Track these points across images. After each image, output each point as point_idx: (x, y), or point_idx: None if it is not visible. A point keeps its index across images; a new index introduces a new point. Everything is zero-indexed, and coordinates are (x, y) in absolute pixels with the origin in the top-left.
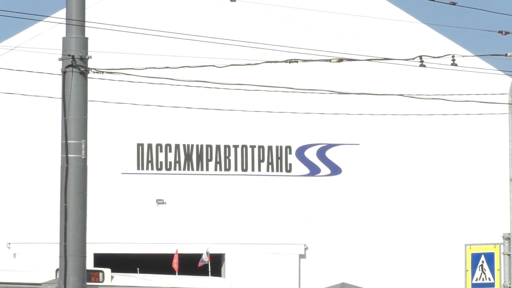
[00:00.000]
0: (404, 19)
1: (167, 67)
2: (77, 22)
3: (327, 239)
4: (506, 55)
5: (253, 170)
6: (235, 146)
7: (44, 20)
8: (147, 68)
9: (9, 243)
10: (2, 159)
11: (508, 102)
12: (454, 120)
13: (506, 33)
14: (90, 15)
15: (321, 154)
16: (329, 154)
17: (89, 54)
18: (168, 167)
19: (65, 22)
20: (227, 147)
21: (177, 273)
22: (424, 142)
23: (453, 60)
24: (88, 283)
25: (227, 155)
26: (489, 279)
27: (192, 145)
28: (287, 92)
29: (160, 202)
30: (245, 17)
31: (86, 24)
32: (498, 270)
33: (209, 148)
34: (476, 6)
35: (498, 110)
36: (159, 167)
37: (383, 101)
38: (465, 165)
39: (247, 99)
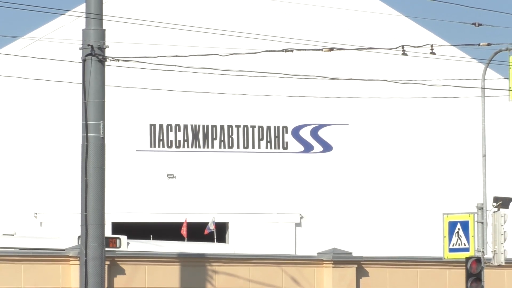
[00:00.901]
0: (388, 12)
1: (176, 56)
2: (95, 16)
3: (320, 209)
4: (479, 44)
5: (253, 147)
6: (237, 126)
7: (66, 13)
8: (158, 56)
9: (36, 213)
10: (31, 139)
11: (480, 87)
12: (433, 103)
13: (479, 24)
14: (107, 9)
15: (314, 133)
16: (321, 133)
17: (106, 44)
18: (178, 145)
19: (84, 16)
20: (230, 127)
21: (186, 240)
22: (406, 122)
23: (432, 49)
24: (106, 249)
25: (230, 134)
26: (465, 245)
27: (199, 125)
28: (283, 77)
29: (170, 176)
30: (246, 11)
31: (104, 17)
32: (472, 236)
33: (214, 128)
34: (453, 1)
35: (472, 93)
36: (169, 145)
37: (370, 86)
38: (443, 143)
39: (248, 84)
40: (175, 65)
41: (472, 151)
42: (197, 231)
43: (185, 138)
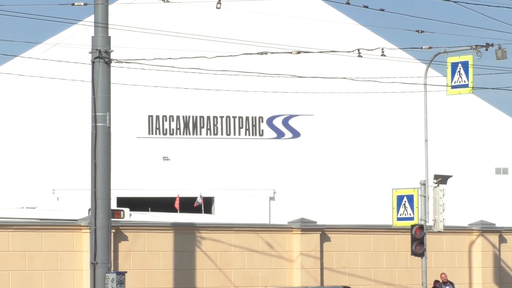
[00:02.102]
0: (346, 21)
1: (170, 58)
2: (102, 25)
3: (290, 186)
4: (421, 48)
5: (234, 134)
6: (221, 117)
7: (78, 23)
8: (155, 59)
9: (54, 190)
10: (51, 128)
11: (423, 83)
12: (384, 97)
13: (422, 31)
14: (112, 19)
15: (285, 122)
16: (291, 122)
17: (112, 48)
18: (171, 132)
19: (93, 25)
20: (215, 117)
21: (178, 211)
22: (362, 113)
23: (383, 52)
24: (112, 219)
25: (215, 123)
26: (410, 214)
27: (189, 116)
28: (259, 76)
29: (165, 158)
30: (229, 21)
31: (109, 26)
32: (416, 207)
33: (201, 118)
34: (400, 11)
35: (416, 89)
36: (164, 132)
37: (331, 82)
38: (393, 130)
39: (230, 81)
40: (169, 66)
41: (417, 137)
42: (187, 204)
43: (178, 127)
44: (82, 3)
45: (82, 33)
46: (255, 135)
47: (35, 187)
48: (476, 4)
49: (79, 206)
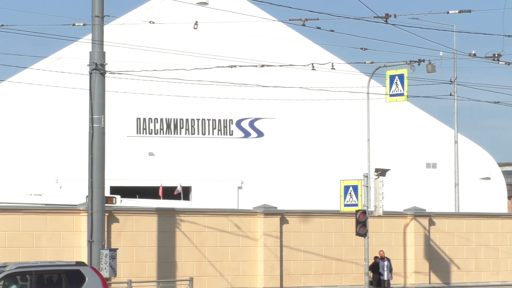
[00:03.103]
0: (302, 40)
1: (155, 70)
2: (98, 42)
3: (255, 177)
4: (365, 62)
5: (209, 134)
6: (198, 119)
7: (78, 41)
8: (142, 70)
9: (57, 179)
10: (54, 128)
11: (366, 92)
12: (334, 103)
13: (365, 49)
14: (106, 37)
15: (251, 124)
16: (256, 124)
17: (106, 62)
18: (156, 132)
19: (91, 42)
20: (192, 119)
21: (161, 198)
22: (316, 117)
23: (332, 66)
24: (106, 205)
25: (192, 125)
26: (355, 201)
27: (171, 118)
28: (230, 85)
29: (151, 154)
30: (203, 39)
31: (104, 43)
32: (360, 195)
33: (181, 120)
34: (348, 32)
35: (360, 97)
36: (150, 132)
37: (290, 91)
38: (342, 131)
39: (205, 90)
40: (154, 76)
41: (360, 137)
42: (169, 192)
43: (161, 127)
44: (81, 24)
45: (82, 49)
46: (226, 135)
47: (42, 177)
48: (411, 26)
49: (78, 194)
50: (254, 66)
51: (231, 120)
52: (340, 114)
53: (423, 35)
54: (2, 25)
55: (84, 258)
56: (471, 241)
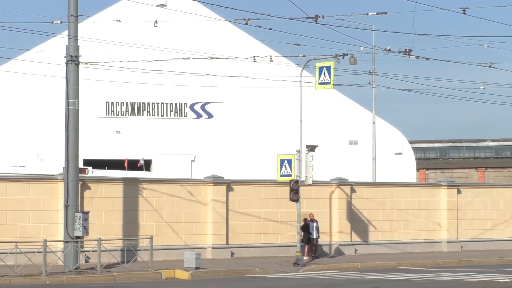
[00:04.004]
0: (246, 37)
1: (121, 61)
2: (73, 37)
3: (205, 152)
4: (298, 56)
5: (167, 115)
6: (157, 103)
7: (56, 36)
8: (111, 61)
9: (38, 153)
10: (37, 109)
11: (299, 81)
12: (272, 90)
13: (298, 44)
14: (80, 33)
15: (203, 107)
16: (207, 107)
17: (80, 54)
18: (122, 114)
19: (67, 37)
20: (153, 103)
21: (127, 170)
22: (257, 101)
23: (271, 58)
24: (80, 175)
25: (153, 108)
26: (289, 172)
27: (135, 102)
28: (185, 74)
29: (118, 132)
30: (163, 35)
31: (79, 38)
32: (293, 167)
33: (143, 104)
34: (284, 30)
35: (294, 84)
36: (117, 114)
37: (235, 79)
38: (280, 113)
39: (163, 78)
40: (121, 67)
41: (295, 118)
42: (133, 165)
43: (127, 110)
44: (59, 22)
45: (59, 43)
46: (181, 116)
47: (25, 151)
48: (337, 26)
49: (56, 165)
50: (205, 58)
51: (185, 104)
52: (277, 99)
53: (347, 33)
54: None
55: (61, 220)
56: (386, 206)
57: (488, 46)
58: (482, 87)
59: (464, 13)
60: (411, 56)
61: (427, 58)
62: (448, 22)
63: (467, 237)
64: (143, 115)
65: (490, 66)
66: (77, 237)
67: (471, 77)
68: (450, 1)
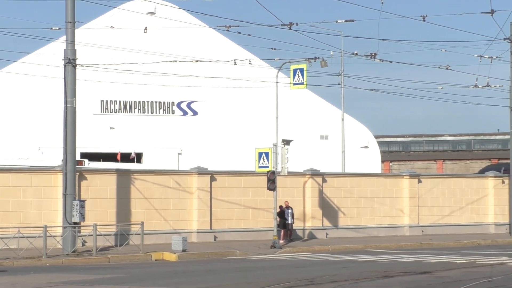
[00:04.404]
0: (227, 42)
1: (114, 64)
2: (70, 42)
3: (191, 146)
4: (274, 59)
5: (156, 113)
6: (148, 101)
7: (55, 40)
8: (105, 64)
9: (39, 147)
10: (39, 106)
11: (275, 82)
12: (251, 90)
13: (274, 49)
14: (77, 38)
15: (188, 105)
16: (192, 105)
17: (77, 57)
18: (116, 111)
19: (65, 42)
20: (143, 101)
21: (120, 162)
22: (238, 100)
23: (250, 62)
24: (77, 166)
25: (143, 106)
26: (266, 164)
27: (127, 101)
28: (172, 75)
29: (111, 128)
30: (152, 40)
31: (76, 43)
32: (271, 160)
33: (135, 102)
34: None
35: (272, 85)
36: (111, 111)
37: (218, 80)
38: (258, 111)
39: (153, 79)
40: (114, 69)
41: (272, 115)
42: (125, 157)
43: (120, 107)
44: (57, 28)
45: (58, 47)
46: (169, 113)
47: (28, 145)
48: (309, 32)
49: (55, 158)
50: (190, 61)
51: (173, 102)
52: (255, 98)
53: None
54: None
55: (60, 207)
56: (354, 194)
57: (445, 50)
58: (440, 87)
59: (424, 20)
60: (376, 59)
61: (390, 61)
62: (410, 28)
63: (427, 222)
64: (134, 112)
65: (447, 68)
66: (75, 223)
67: (430, 78)
68: (412, 9)
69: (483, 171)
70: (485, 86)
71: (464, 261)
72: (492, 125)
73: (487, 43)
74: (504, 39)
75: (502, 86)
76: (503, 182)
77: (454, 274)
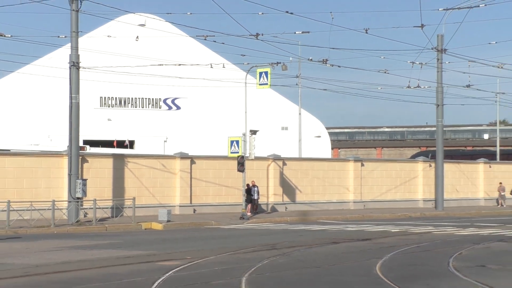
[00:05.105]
0: (204, 49)
1: (111, 66)
2: (74, 48)
3: (175, 135)
4: (244, 64)
5: (146, 107)
6: (139, 98)
7: (62, 47)
8: (104, 66)
9: (49, 135)
10: (49, 101)
11: (245, 82)
12: (225, 89)
13: (244, 55)
14: (80, 44)
15: (173, 101)
16: (176, 101)
17: (80, 60)
18: (112, 106)
19: (70, 48)
20: (135, 98)
21: (115, 147)
22: (214, 97)
23: (223, 65)
24: (80, 151)
25: (135, 101)
26: (237, 150)
27: (122, 97)
28: (160, 76)
29: (109, 119)
30: (143, 46)
31: (79, 48)
32: (240, 146)
33: (128, 98)
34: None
35: (241, 85)
36: (108, 106)
37: (197, 81)
38: (231, 106)
39: (144, 79)
40: (111, 71)
41: (242, 110)
42: (120, 144)
43: (116, 103)
44: (63, 36)
45: (64, 52)
46: (157, 108)
47: (39, 134)
48: (273, 41)
49: (62, 144)
50: (174, 65)
51: (160, 99)
52: (228, 96)
53: (280, 47)
54: (12, 36)
55: (66, 185)
56: (309, 175)
57: (384, 57)
58: (380, 88)
59: (366, 33)
60: (327, 65)
61: (339, 66)
62: (355, 38)
63: (368, 198)
64: (128, 107)
65: (385, 72)
66: (78, 198)
67: (371, 80)
68: (357, 23)
69: (414, 157)
70: (416, 87)
71: (398, 230)
72: (421, 119)
73: (418, 52)
74: (432, 49)
75: (430, 87)
76: (430, 165)
77: (390, 241)
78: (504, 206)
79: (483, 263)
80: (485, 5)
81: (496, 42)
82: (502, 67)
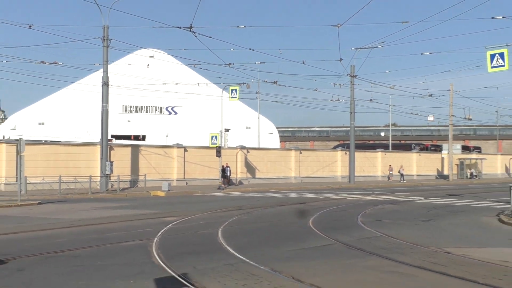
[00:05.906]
0: (187, 70)
1: (131, 84)
2: (105, 72)
3: (174, 133)
4: (220, 83)
5: (154, 113)
6: (149, 106)
7: (97, 71)
8: (126, 84)
9: (87, 131)
10: (89, 109)
11: (221, 96)
12: (210, 101)
13: (220, 77)
14: (110, 69)
15: (172, 109)
16: (174, 109)
17: (109, 80)
18: (130, 111)
19: (102, 71)
20: (146, 106)
21: (133, 140)
22: (201, 107)
23: (207, 84)
24: (108, 142)
25: (147, 108)
26: (215, 142)
27: (137, 106)
28: (163, 91)
29: (128, 121)
30: (152, 71)
31: (109, 72)
32: (218, 139)
33: (142, 106)
34: (213, 70)
35: (218, 98)
36: (128, 111)
37: (189, 95)
38: (212, 114)
39: (153, 93)
40: (130, 88)
41: (219, 115)
42: (136, 138)
43: (133, 109)
44: (97, 64)
45: (99, 75)
46: (161, 113)
47: (80, 130)
48: (242, 69)
49: (97, 137)
50: (173, 83)
51: (163, 107)
52: (210, 105)
53: (246, 72)
54: (63, 63)
55: (99, 166)
56: (265, 160)
57: (315, 80)
58: (312, 100)
59: (303, 63)
60: (277, 84)
61: (285, 85)
62: (296, 67)
63: (304, 175)
64: (141, 112)
65: (316, 90)
66: (107, 174)
67: (307, 95)
68: (297, 56)
69: (335, 148)
70: (337, 100)
71: (324, 196)
72: (341, 121)
73: (338, 76)
74: (347, 75)
75: (345, 100)
76: (345, 153)
77: (319, 204)
78: (391, 180)
79: (380, 218)
80: (382, 46)
81: (389, 71)
82: (393, 88)
